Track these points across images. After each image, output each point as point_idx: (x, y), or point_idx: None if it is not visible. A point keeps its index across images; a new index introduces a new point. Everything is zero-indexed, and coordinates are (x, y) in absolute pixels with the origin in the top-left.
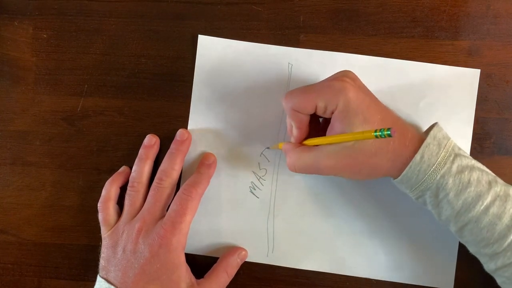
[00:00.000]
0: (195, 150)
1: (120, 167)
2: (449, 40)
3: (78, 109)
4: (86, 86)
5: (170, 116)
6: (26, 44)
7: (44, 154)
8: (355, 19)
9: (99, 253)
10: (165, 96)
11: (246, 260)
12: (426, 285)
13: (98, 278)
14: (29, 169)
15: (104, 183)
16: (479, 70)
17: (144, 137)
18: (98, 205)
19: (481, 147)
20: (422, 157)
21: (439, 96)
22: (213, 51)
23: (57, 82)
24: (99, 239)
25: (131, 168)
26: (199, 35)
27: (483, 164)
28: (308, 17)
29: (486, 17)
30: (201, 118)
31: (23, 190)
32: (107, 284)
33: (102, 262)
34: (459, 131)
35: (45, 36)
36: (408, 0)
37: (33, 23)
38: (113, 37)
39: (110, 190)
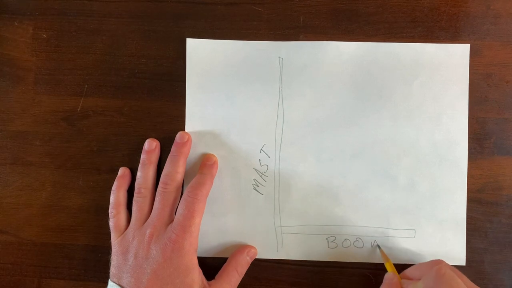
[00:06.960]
0: (194, 152)
1: (120, 167)
2: (449, 40)
3: (78, 109)
4: (86, 86)
5: (170, 116)
6: (26, 44)
7: (44, 154)
8: (355, 19)
9: (109, 260)
10: (165, 96)
11: (256, 257)
12: None
13: (110, 283)
14: (29, 169)
15: (104, 183)
16: (468, 45)
17: (144, 137)
18: (110, 211)
19: (481, 147)
20: None
21: (431, 74)
22: (202, 53)
23: (57, 82)
24: (99, 239)
25: (129, 168)
26: (187, 39)
27: (483, 164)
28: (308, 17)
29: (486, 17)
30: (197, 120)
31: (23, 190)
32: None
33: (112, 270)
34: (454, 107)
35: (45, 36)
36: (408, 0)
37: (33, 23)
38: (113, 37)
39: (118, 195)
